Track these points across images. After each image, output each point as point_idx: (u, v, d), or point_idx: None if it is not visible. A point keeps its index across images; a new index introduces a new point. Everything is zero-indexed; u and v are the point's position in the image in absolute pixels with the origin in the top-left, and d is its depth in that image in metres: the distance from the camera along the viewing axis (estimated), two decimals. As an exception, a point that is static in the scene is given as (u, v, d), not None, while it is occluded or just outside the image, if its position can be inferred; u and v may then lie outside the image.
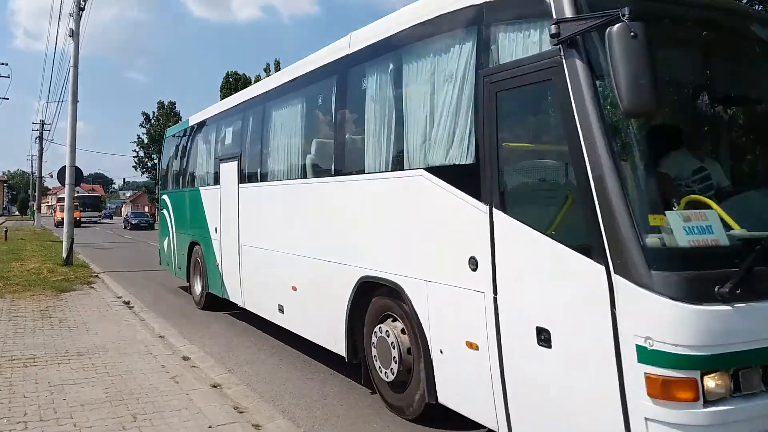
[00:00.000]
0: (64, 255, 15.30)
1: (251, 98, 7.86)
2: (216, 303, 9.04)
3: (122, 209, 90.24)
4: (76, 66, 16.20)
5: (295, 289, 6.21)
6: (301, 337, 6.28)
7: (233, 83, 62.98)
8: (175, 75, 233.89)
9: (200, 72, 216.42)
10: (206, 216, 9.12)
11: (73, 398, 4.75)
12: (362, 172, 5.11)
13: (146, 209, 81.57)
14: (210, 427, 4.23)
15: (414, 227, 4.37)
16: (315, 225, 5.90)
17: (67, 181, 16.04)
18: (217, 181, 8.69)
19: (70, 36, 16.45)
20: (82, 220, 56.81)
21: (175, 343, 6.90)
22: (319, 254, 5.70)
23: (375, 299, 4.94)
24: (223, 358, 6.46)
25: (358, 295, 5.06)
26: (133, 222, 45.13)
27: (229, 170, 8.17)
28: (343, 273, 5.20)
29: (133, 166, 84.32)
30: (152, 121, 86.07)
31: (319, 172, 5.96)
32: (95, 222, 60.31)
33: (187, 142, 10.85)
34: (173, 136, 12.15)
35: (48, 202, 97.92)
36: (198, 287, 9.65)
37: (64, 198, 16.64)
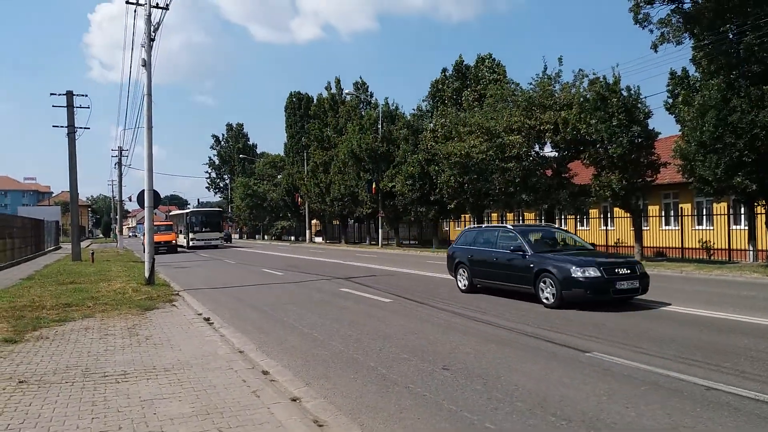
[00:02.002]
0: (147, 275, 16.10)
1: None
2: None
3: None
4: (149, 94, 17.05)
5: None
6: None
7: (296, 103, 65.11)
8: (241, 97, 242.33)
9: (264, 93, 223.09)
10: None
11: (162, 412, 4.97)
12: None
13: (227, 228, 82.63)
14: (292, 440, 4.32)
15: None
16: None
17: (146, 204, 16.88)
18: None
19: (142, 66, 17.37)
20: (198, 243, 45.65)
21: (255, 357, 7.11)
22: None
23: None
24: (300, 372, 6.58)
25: None
26: None
27: None
28: None
29: (206, 187, 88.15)
30: (222, 143, 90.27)
31: None
32: (215, 246, 46.05)
33: None
34: None
35: (128, 225, 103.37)
36: None
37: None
